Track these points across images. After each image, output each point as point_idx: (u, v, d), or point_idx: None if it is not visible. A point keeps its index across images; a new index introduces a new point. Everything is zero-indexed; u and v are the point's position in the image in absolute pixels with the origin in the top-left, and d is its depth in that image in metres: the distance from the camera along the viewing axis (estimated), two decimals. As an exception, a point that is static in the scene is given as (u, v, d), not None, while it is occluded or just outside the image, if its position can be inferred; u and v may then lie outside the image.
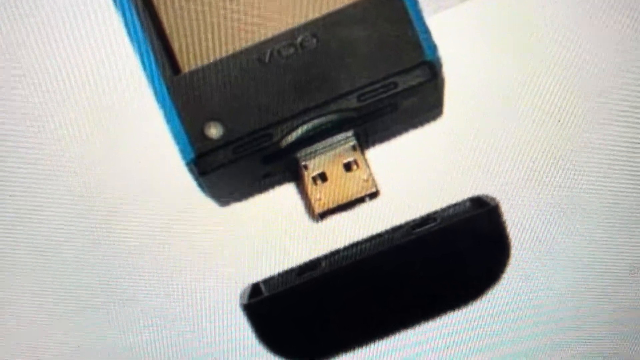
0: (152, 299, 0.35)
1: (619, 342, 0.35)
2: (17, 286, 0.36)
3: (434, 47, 0.33)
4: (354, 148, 0.34)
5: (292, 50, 0.33)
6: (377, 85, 0.32)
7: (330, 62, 0.32)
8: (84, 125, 0.36)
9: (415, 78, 0.32)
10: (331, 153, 0.34)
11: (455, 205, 0.35)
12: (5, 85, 0.36)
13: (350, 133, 0.34)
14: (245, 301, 0.35)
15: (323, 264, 0.35)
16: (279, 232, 0.36)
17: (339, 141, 0.34)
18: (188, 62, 0.33)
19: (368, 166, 0.34)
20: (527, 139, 0.36)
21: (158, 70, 0.33)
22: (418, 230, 0.34)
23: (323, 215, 0.34)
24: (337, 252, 0.35)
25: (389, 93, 0.32)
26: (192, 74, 0.33)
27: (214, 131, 0.33)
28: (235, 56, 0.33)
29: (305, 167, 0.34)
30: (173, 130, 0.33)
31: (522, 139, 0.36)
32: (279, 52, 0.33)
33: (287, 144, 0.33)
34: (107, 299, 0.35)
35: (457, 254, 0.34)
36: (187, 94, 0.33)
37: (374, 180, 0.34)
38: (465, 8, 0.36)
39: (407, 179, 0.36)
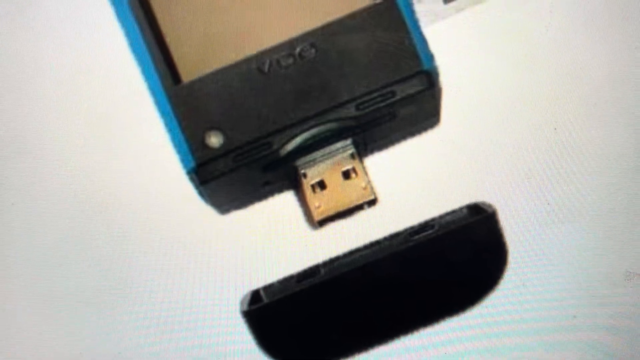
0: (153, 305, 0.35)
1: (615, 347, 0.35)
2: (19, 293, 0.36)
3: (431, 57, 0.33)
4: (352, 156, 0.34)
5: (291, 60, 0.33)
6: (375, 94, 0.33)
7: (329, 71, 0.33)
8: (85, 134, 0.36)
9: (412, 87, 0.33)
10: (330, 161, 0.34)
11: (452, 212, 0.35)
12: (6, 94, 0.36)
13: (348, 141, 0.34)
14: (245, 308, 0.35)
15: (322, 270, 0.35)
16: (279, 239, 0.36)
17: (337, 149, 0.34)
18: (188, 72, 0.33)
19: (366, 174, 0.34)
20: (523, 147, 0.36)
21: (159, 80, 0.33)
22: (416, 237, 0.34)
23: (322, 222, 0.34)
24: (336, 259, 0.35)
25: (387, 102, 0.33)
26: (192, 83, 0.33)
27: (214, 140, 0.33)
28: (235, 66, 0.33)
29: (305, 175, 0.34)
30: (174, 139, 0.33)
31: (518, 146, 0.36)
32: (278, 62, 0.33)
33: (287, 152, 0.33)
34: (108, 306, 0.35)
35: (455, 260, 0.34)
36: (187, 103, 0.33)
37: (372, 188, 0.34)
38: (461, 18, 0.36)
39: (405, 186, 0.36)
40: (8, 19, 0.36)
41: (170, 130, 0.33)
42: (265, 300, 0.34)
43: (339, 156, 0.34)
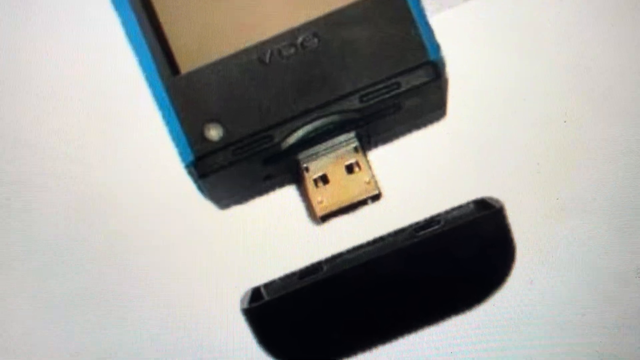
0: (152, 303, 0.35)
1: (625, 346, 0.35)
2: (14, 292, 0.36)
3: (437, 47, 0.33)
4: (355, 150, 0.34)
5: (293, 50, 0.32)
6: (380, 86, 0.32)
7: (332, 62, 0.32)
8: (82, 128, 0.36)
9: (418, 78, 0.32)
10: (333, 155, 0.34)
11: (459, 207, 0.35)
12: (3, 88, 0.36)
13: (352, 134, 0.34)
14: (245, 305, 0.35)
15: (324, 267, 0.35)
16: (280, 235, 0.36)
17: (340, 143, 0.34)
18: (187, 63, 0.33)
19: (370, 168, 0.34)
20: (532, 140, 0.36)
21: (157, 71, 0.33)
22: (421, 233, 0.34)
23: (324, 218, 0.34)
24: (339, 255, 0.35)
25: (392, 93, 0.32)
26: (191, 74, 0.33)
27: (214, 133, 0.32)
28: (235, 56, 0.33)
29: (307, 169, 0.34)
30: (172, 132, 0.33)
31: (527, 140, 0.36)
32: (279, 52, 0.32)
33: (288, 145, 0.33)
34: (106, 304, 0.35)
35: (461, 257, 0.34)
36: (186, 95, 0.32)
37: (376, 183, 0.34)
38: (468, 7, 0.36)
39: (410, 181, 0.36)
40: (5, 14, 0.36)
41: (168, 122, 0.33)
42: (266, 297, 0.34)
43: (342, 150, 0.34)
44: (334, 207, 0.34)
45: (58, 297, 0.35)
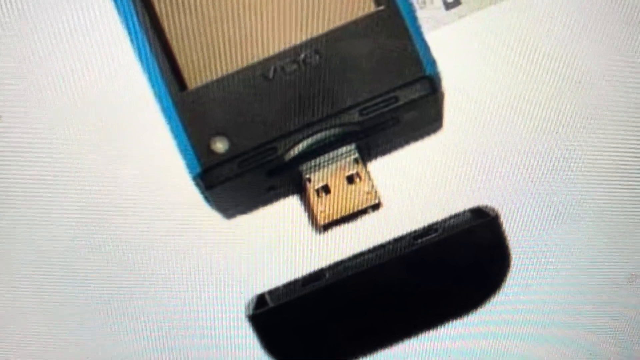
0: (159, 310, 0.36)
1: (618, 350, 0.35)
2: (25, 298, 0.36)
3: (433, 62, 0.33)
4: (356, 161, 0.34)
5: (295, 66, 0.33)
6: (379, 100, 0.33)
7: (333, 77, 0.33)
8: (91, 140, 0.36)
9: (415, 92, 0.33)
10: (334, 166, 0.34)
11: (456, 216, 0.35)
12: (13, 100, 0.36)
13: (352, 146, 0.34)
14: (250, 312, 0.35)
15: (327, 274, 0.35)
16: (284, 243, 0.36)
17: (341, 154, 0.34)
18: (194, 79, 0.33)
19: (370, 178, 0.35)
20: (525, 150, 0.36)
21: (165, 87, 0.33)
22: (420, 241, 0.35)
23: (326, 226, 0.34)
24: (340, 262, 0.35)
25: (390, 107, 0.33)
26: (198, 90, 0.33)
27: (220, 146, 0.33)
28: (240, 73, 0.33)
29: (309, 179, 0.34)
30: (180, 145, 0.33)
31: (520, 150, 0.36)
32: (282, 68, 0.33)
33: (291, 157, 0.33)
34: (114, 310, 0.36)
35: (459, 263, 0.34)
36: (193, 109, 0.33)
37: (376, 192, 0.34)
38: (463, 24, 0.36)
39: (408, 190, 0.36)
40: (15, 26, 0.37)
41: (176, 136, 0.33)
42: (271, 304, 0.35)
43: (343, 161, 0.34)
44: (336, 216, 0.34)
45: (68, 304, 0.36)
